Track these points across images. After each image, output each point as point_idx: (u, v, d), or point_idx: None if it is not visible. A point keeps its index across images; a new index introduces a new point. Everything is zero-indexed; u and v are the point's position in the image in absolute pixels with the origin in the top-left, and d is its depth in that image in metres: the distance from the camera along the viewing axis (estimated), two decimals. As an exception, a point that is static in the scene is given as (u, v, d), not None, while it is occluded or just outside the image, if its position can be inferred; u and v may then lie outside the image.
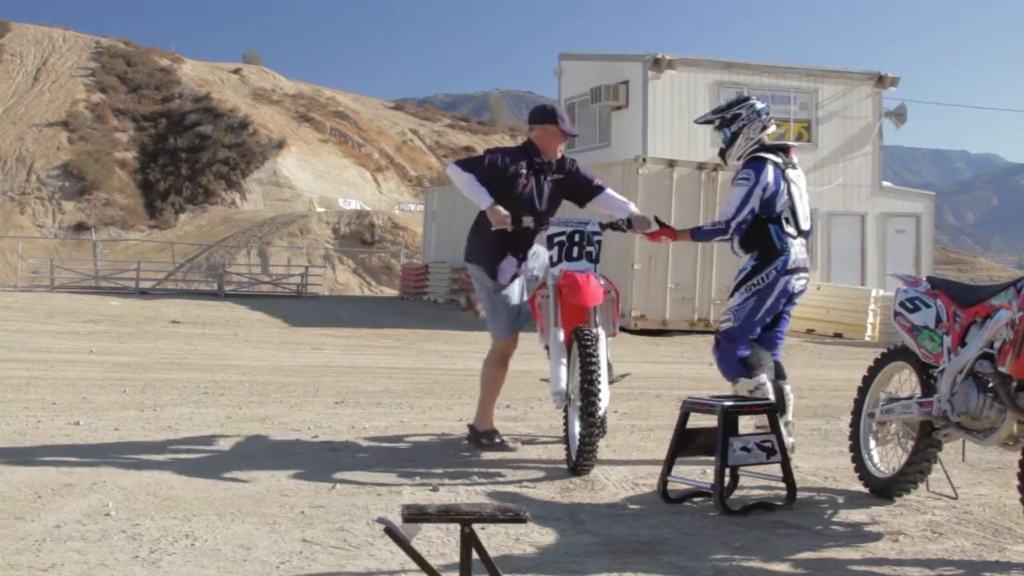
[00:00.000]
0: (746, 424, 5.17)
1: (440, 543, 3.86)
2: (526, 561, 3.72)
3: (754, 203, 5.41)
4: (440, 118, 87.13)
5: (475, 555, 2.60)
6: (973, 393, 4.19)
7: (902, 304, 4.77)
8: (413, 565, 2.73)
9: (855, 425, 5.05)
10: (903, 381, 4.95)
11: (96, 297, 24.23)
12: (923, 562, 3.86)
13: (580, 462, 5.17)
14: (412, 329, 17.23)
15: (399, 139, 74.51)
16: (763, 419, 4.96)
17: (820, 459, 5.92)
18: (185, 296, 27.13)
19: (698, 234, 5.73)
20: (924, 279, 4.85)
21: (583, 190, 6.05)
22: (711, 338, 5.98)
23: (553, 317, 5.51)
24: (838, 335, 18.36)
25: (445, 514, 2.61)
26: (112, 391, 8.08)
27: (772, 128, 5.67)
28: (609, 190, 6.09)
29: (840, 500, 4.88)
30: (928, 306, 4.62)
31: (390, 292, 37.20)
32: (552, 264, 5.61)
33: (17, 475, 4.87)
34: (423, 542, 3.80)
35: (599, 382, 5.13)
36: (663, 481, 4.74)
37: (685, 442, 4.80)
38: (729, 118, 5.65)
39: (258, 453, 5.70)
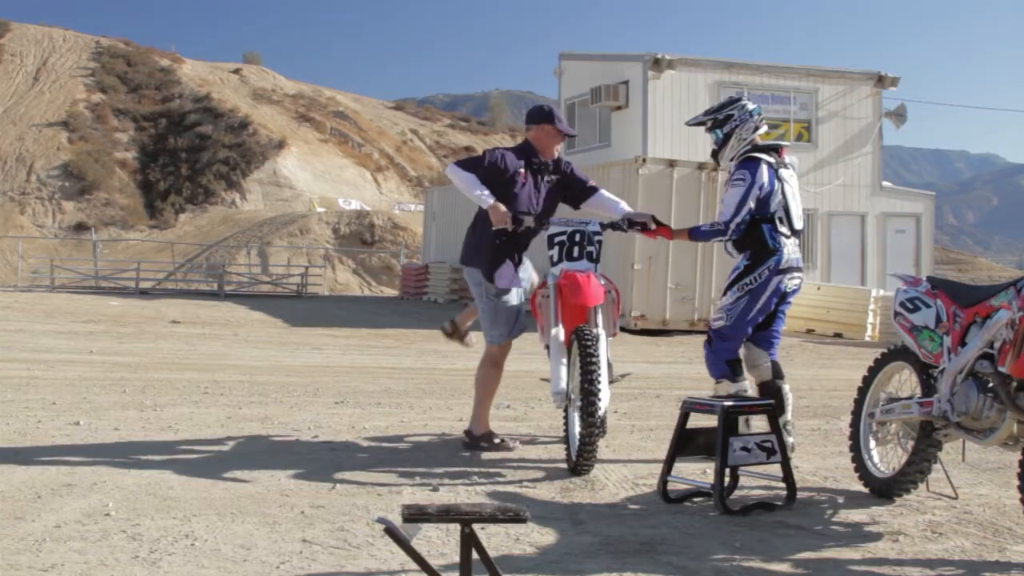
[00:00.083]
0: (758, 425, 5.19)
1: (440, 543, 3.86)
2: (526, 561, 3.72)
3: (751, 203, 5.42)
4: (440, 118, 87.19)
5: (475, 555, 2.60)
6: (973, 393, 4.19)
7: (902, 304, 4.77)
8: (413, 565, 2.73)
9: (855, 425, 5.05)
10: (903, 381, 4.95)
11: (96, 297, 24.23)
12: (923, 562, 3.86)
13: (580, 462, 5.17)
14: (412, 329, 17.21)
15: (399, 139, 74.53)
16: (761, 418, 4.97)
17: (820, 459, 5.92)
18: (185, 296, 27.14)
19: (696, 234, 5.72)
20: (924, 279, 4.85)
21: (578, 192, 6.06)
22: (706, 337, 5.98)
23: (553, 317, 5.51)
24: (838, 335, 18.36)
25: (445, 514, 2.61)
26: (112, 391, 8.08)
27: (764, 128, 5.68)
28: (602, 191, 6.11)
29: (840, 500, 4.87)
30: (928, 306, 4.62)
31: (390, 292, 37.20)
32: (553, 264, 5.61)
33: (17, 475, 4.87)
34: (423, 542, 3.80)
35: (599, 382, 5.13)
36: (663, 481, 4.75)
37: (685, 442, 4.80)
38: (721, 119, 5.65)
39: (258, 453, 5.70)
